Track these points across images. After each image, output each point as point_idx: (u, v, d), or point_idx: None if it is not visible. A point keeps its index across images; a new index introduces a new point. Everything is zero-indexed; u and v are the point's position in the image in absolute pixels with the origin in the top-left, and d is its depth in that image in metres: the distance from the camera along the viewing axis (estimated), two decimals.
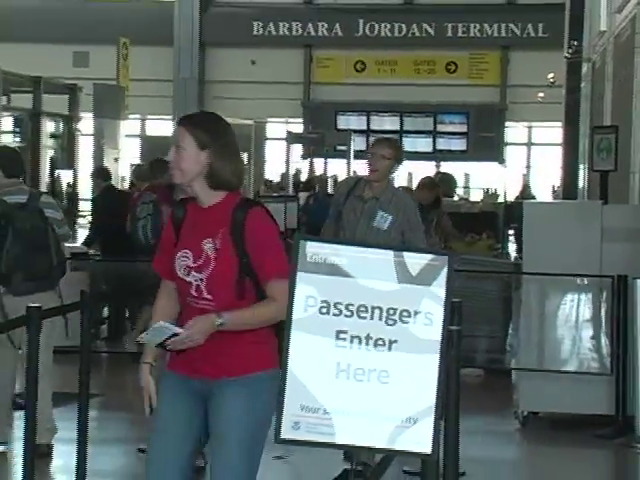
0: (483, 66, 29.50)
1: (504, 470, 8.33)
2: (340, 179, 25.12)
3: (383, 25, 29.50)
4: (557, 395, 9.08)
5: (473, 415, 7.46)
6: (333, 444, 2.74)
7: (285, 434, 2.69)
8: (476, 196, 22.90)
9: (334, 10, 29.50)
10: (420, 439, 2.73)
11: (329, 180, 23.94)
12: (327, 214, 7.60)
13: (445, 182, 14.92)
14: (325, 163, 26.25)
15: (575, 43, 12.84)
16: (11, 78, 24.27)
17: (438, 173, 16.66)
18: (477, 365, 10.67)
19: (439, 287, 2.74)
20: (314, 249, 2.72)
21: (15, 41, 27.66)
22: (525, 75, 27.93)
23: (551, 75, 22.71)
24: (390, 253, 2.81)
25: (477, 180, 26.99)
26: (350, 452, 6.32)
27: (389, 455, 2.85)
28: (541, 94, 26.64)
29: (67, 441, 6.88)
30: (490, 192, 24.47)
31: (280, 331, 5.00)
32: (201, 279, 4.16)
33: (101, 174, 14.34)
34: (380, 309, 2.75)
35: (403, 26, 29.42)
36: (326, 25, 29.80)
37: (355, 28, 29.56)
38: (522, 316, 9.47)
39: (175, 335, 4.02)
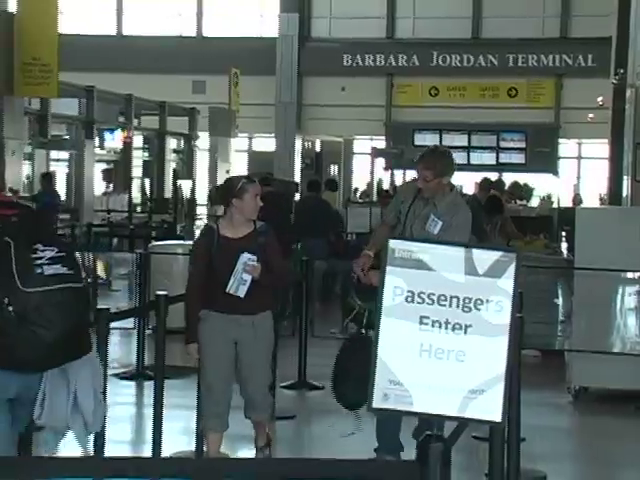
0: (540, 91, 29.23)
1: (558, 437, 8.26)
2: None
3: (454, 56, 29.36)
4: (605, 372, 9.00)
5: (531, 390, 7.41)
6: (415, 412, 2.75)
7: (376, 404, 2.69)
8: (534, 202, 22.71)
9: (412, 44, 29.44)
10: (490, 409, 2.73)
11: None
12: None
13: (516, 188, 14.91)
14: (404, 174, 26.17)
15: (621, 71, 12.64)
16: (141, 103, 24.57)
17: (498, 179, 16.49)
18: (535, 347, 10.57)
19: (508, 279, 2.73)
20: (401, 247, 2.73)
21: (145, 72, 27.98)
22: (576, 99, 27.64)
23: (600, 98, 22.39)
24: (463, 250, 2.81)
25: (535, 189, 26.76)
26: (423, 428, 6.24)
27: (462, 423, 2.82)
28: (591, 115, 26.30)
29: None
30: (545, 199, 24.30)
31: None
32: None
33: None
34: (457, 298, 2.75)
35: (471, 57, 29.27)
36: (405, 57, 29.73)
37: (430, 59, 29.48)
38: (574, 305, 9.42)
39: None
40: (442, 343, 2.71)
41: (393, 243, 2.70)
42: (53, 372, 4.11)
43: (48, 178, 17.89)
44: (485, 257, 2.81)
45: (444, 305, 2.72)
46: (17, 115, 18.88)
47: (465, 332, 2.71)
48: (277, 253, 6.49)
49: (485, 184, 12.72)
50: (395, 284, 2.71)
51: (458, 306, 2.73)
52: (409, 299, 2.72)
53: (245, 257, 6.21)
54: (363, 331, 6.20)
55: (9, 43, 18.20)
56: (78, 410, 4.15)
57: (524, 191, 16.15)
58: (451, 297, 2.73)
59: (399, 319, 2.71)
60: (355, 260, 6.56)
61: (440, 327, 2.72)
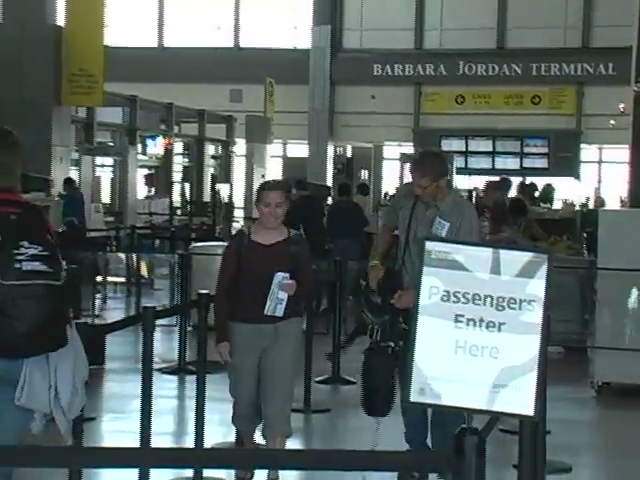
0: (562, 98, 29.06)
1: (582, 430, 8.22)
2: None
3: (479, 66, 29.26)
4: (627, 368, 8.92)
5: (556, 384, 7.36)
6: (451, 406, 2.73)
7: (413, 398, 2.68)
8: (557, 205, 22.56)
9: (439, 54, 29.37)
10: (523, 403, 2.70)
11: None
12: None
13: (547, 193, 14.88)
14: None
15: None
16: (181, 111, 24.65)
17: (523, 183, 16.40)
18: (559, 343, 10.50)
19: (540, 280, 2.71)
20: (437, 248, 2.71)
21: (184, 82, 28.06)
22: (598, 106, 27.47)
23: (622, 105, 22.21)
24: (496, 251, 2.79)
25: (557, 192, 26.57)
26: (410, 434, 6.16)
27: (494, 416, 2.80)
28: (612, 121, 26.13)
29: None
30: (568, 202, 24.13)
31: None
32: None
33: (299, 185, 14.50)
34: (491, 297, 2.73)
35: (496, 66, 29.15)
36: (432, 66, 29.65)
37: (456, 68, 29.39)
38: (597, 303, 9.35)
39: None
40: (477, 340, 2.69)
41: (430, 245, 2.69)
42: (35, 359, 4.27)
43: (69, 182, 17.99)
44: (517, 258, 2.79)
45: (478, 304, 2.70)
46: (65, 123, 19.00)
47: (499, 330, 2.69)
48: (308, 263, 6.19)
49: (492, 185, 12.62)
50: (431, 284, 2.69)
51: (492, 305, 2.71)
52: (445, 298, 2.70)
53: (279, 276, 5.92)
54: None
55: (58, 55, 18.31)
56: (57, 397, 4.34)
57: (551, 194, 16.05)
58: (485, 296, 2.70)
59: (435, 317, 2.69)
60: (368, 276, 6.20)
61: (475, 325, 2.69)
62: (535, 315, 2.70)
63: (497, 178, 15.42)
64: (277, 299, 5.92)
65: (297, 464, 3.34)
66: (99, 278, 14.40)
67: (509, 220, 11.50)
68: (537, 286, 2.71)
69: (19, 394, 4.30)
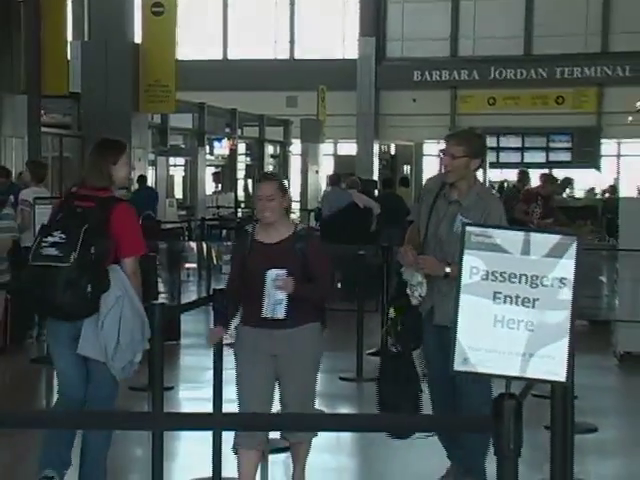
0: (583, 99, 28.76)
1: (606, 395, 8.11)
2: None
3: (509, 70, 29.03)
4: None
5: (581, 354, 7.25)
6: (492, 374, 2.70)
7: (457, 367, 2.66)
8: (580, 194, 22.33)
9: (472, 60, 29.18)
10: (556, 371, 2.67)
11: None
12: None
13: (566, 183, 14.73)
14: None
15: None
16: (244, 116, 24.69)
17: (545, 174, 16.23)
18: (584, 317, 10.39)
19: (569, 259, 2.66)
20: (476, 232, 2.68)
21: (246, 90, 28.11)
22: (616, 105, 27.19)
23: (638, 104, 21.90)
24: (529, 234, 2.75)
25: (580, 183, 26.30)
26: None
27: (530, 382, 2.77)
28: (630, 118, 25.77)
29: None
30: (590, 191, 23.88)
31: None
32: None
33: (333, 179, 14.39)
34: (526, 276, 2.69)
35: (524, 71, 28.90)
36: (466, 71, 29.45)
37: (488, 73, 29.19)
38: (619, 281, 9.25)
39: None
40: (513, 315, 2.66)
41: (470, 229, 2.66)
42: (89, 321, 4.81)
43: (143, 180, 18.07)
44: (547, 240, 2.74)
45: (514, 282, 2.67)
46: (142, 128, 19.12)
47: (533, 306, 2.65)
48: (319, 260, 4.90)
49: (548, 179, 12.48)
50: (472, 264, 2.66)
51: (527, 283, 2.67)
52: (484, 277, 2.67)
53: (272, 274, 4.79)
54: (394, 346, 5.10)
55: (135, 68, 18.44)
56: (106, 349, 4.82)
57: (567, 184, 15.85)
58: (520, 275, 2.67)
59: (476, 295, 2.66)
60: (400, 257, 5.27)
61: (511, 301, 2.66)
62: (566, 291, 2.66)
63: (548, 171, 15.28)
64: (275, 300, 4.82)
65: (349, 427, 3.32)
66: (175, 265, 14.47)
67: (556, 210, 11.45)
68: (567, 265, 2.67)
69: (78, 345, 4.87)
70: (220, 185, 25.32)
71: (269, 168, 26.84)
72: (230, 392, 5.11)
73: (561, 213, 12.20)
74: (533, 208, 11.15)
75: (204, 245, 15.26)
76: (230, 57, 31.37)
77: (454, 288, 3.79)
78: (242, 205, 24.03)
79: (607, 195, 19.91)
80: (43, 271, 4.68)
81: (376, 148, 30.01)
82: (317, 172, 25.25)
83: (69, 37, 18.67)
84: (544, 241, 2.74)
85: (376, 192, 17.24)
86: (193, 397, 7.57)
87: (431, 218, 5.12)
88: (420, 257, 5.06)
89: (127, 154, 5.09)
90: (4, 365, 8.51)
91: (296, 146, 26.87)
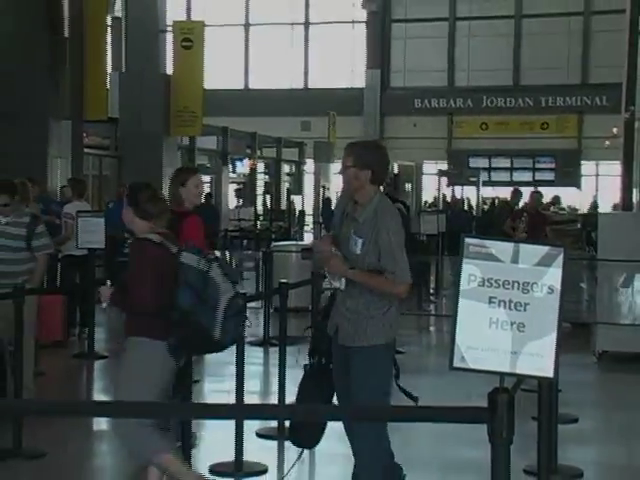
0: (566, 125, 28.81)
1: (586, 389, 8.07)
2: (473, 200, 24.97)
3: (499, 99, 29.08)
4: (622, 339, 8.78)
5: (564, 353, 7.22)
6: (487, 370, 2.69)
7: (455, 364, 2.65)
8: (562, 210, 22.26)
9: (467, 90, 29.26)
10: (544, 368, 2.66)
11: (464, 200, 23.77)
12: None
13: (553, 200, 14.63)
14: (462, 189, 26.00)
15: (632, 108, 12.34)
16: (263, 138, 24.75)
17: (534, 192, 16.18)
18: (567, 320, 10.35)
19: (557, 268, 2.65)
20: (474, 243, 2.67)
21: (265, 115, 28.20)
22: (595, 130, 27.25)
23: (615, 129, 21.84)
24: (520, 245, 2.73)
25: (563, 200, 26.31)
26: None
27: (520, 378, 2.75)
28: (607, 142, 25.75)
29: None
30: (571, 207, 23.84)
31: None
32: None
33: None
34: (518, 282, 2.68)
35: (513, 100, 28.95)
36: (462, 100, 29.51)
37: (481, 101, 29.25)
38: (598, 288, 9.21)
39: None
40: (506, 317, 2.64)
41: (467, 240, 2.65)
42: None
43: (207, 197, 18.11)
44: (536, 251, 2.73)
45: (508, 288, 2.65)
46: (172, 149, 19.19)
47: (524, 309, 2.64)
48: (133, 273, 4.25)
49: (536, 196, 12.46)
50: (470, 272, 2.65)
51: (519, 289, 2.65)
52: (480, 284, 2.66)
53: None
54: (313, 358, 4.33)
55: (167, 97, 18.51)
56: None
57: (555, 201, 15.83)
58: (513, 282, 2.65)
59: (473, 300, 2.65)
60: (314, 244, 4.68)
61: (505, 305, 2.65)
62: (554, 297, 2.65)
63: (532, 188, 15.22)
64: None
65: (347, 416, 3.28)
66: None
67: (544, 227, 11.42)
68: (555, 274, 2.65)
69: None
70: (241, 200, 25.37)
71: (286, 185, 26.89)
72: (250, 385, 5.10)
73: (550, 229, 12.13)
74: (518, 224, 11.16)
75: (227, 254, 15.28)
76: (251, 86, 31.49)
77: (356, 311, 3.86)
78: (261, 218, 24.08)
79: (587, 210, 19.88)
80: None
81: None
82: (328, 188, 25.31)
83: (108, 69, 18.75)
84: (534, 252, 2.72)
85: None
86: (217, 389, 7.57)
87: (340, 235, 4.23)
88: (328, 255, 4.16)
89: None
90: (56, 359, 8.54)
91: (309, 165, 26.91)
